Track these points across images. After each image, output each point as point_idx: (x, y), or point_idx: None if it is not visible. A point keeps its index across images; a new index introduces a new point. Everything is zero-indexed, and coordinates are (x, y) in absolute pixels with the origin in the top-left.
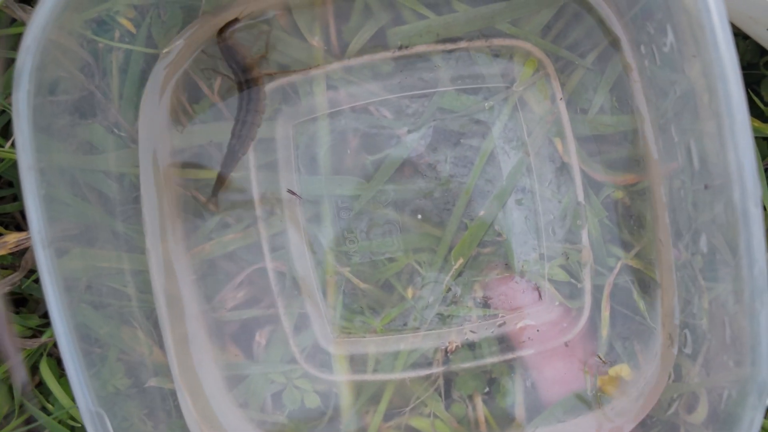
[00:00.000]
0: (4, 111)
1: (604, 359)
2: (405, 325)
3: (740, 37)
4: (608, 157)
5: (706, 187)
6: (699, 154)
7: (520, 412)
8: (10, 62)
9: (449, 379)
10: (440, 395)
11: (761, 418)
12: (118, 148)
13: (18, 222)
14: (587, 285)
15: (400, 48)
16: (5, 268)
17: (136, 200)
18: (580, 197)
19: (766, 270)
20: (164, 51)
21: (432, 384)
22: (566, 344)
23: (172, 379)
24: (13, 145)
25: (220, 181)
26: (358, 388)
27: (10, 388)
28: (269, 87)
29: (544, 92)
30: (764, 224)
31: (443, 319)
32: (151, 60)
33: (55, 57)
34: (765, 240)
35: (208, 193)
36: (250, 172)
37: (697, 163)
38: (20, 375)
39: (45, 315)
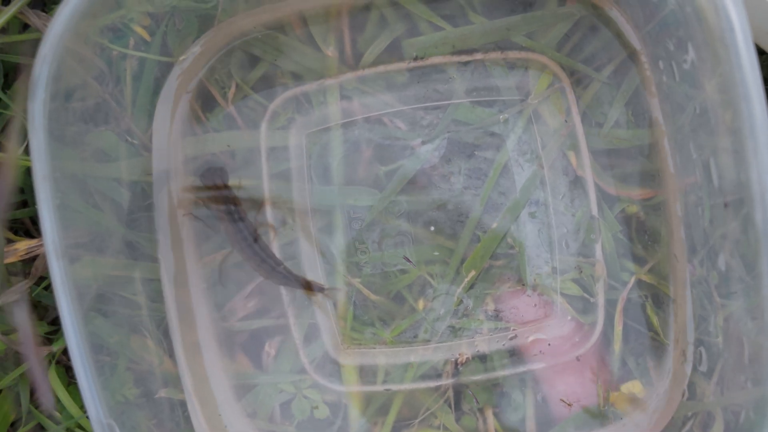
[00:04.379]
0: (14, 116)
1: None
2: (415, 336)
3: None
4: (623, 171)
5: (726, 205)
6: (718, 171)
7: (530, 426)
8: (23, 68)
9: (459, 392)
10: (450, 407)
11: None
12: (130, 156)
13: (28, 228)
14: (600, 299)
15: (415, 59)
16: (15, 275)
17: (148, 208)
18: (594, 211)
19: None
20: (180, 59)
21: (442, 396)
22: (578, 359)
23: (181, 389)
24: (24, 151)
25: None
26: (368, 399)
27: (18, 396)
28: (283, 97)
29: (559, 105)
30: None
31: (454, 331)
32: (165, 68)
33: (70, 65)
34: None
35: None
36: (262, 181)
37: (716, 180)
38: (45, 389)
39: (54, 322)
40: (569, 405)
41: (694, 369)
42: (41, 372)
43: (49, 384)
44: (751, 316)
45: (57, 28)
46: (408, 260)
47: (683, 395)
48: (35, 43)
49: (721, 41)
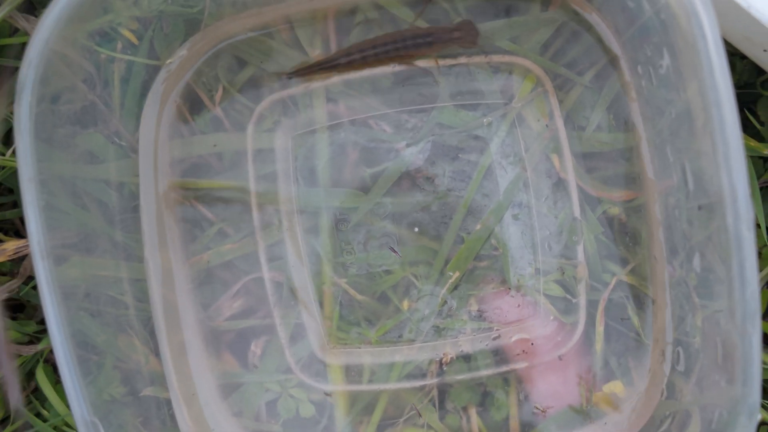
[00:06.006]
0: (5, 119)
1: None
2: (400, 336)
3: (737, 57)
4: (605, 173)
5: (699, 207)
6: (693, 175)
7: (513, 425)
8: (13, 71)
9: (443, 391)
10: (434, 406)
11: None
12: (118, 158)
13: (17, 228)
14: (582, 300)
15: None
16: (4, 274)
17: (135, 209)
18: (577, 213)
19: (758, 292)
20: (167, 62)
21: (426, 395)
22: (560, 358)
23: (167, 388)
24: (14, 153)
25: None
26: (353, 398)
27: (5, 395)
28: (269, 99)
29: (542, 109)
30: (758, 244)
31: (438, 331)
32: (153, 71)
33: (58, 68)
34: (757, 262)
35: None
36: (249, 183)
37: (691, 183)
38: (13, 387)
39: (42, 321)
40: (543, 411)
41: (673, 369)
42: (10, 369)
43: (18, 381)
44: (725, 317)
45: (43, 32)
46: (394, 251)
47: (662, 394)
48: (24, 47)
49: (693, 47)
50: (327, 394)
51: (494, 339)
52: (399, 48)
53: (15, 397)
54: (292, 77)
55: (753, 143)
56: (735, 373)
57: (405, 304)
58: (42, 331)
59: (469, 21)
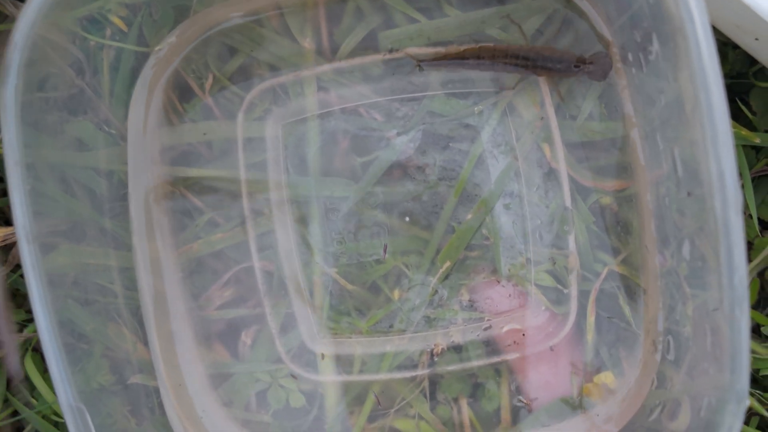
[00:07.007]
0: None
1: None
2: (391, 326)
3: (729, 46)
4: (596, 163)
5: (689, 194)
6: (683, 162)
7: (505, 415)
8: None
9: (435, 382)
10: (425, 397)
11: (740, 425)
12: (107, 146)
13: (6, 216)
14: (573, 290)
15: (391, 51)
16: None
17: (125, 197)
18: (568, 203)
19: (746, 278)
20: (156, 49)
21: (417, 386)
22: (552, 349)
23: (155, 377)
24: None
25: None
26: (344, 389)
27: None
28: (259, 88)
29: (534, 98)
30: (750, 234)
31: (429, 321)
32: (142, 58)
33: (45, 53)
34: (748, 252)
35: None
36: (239, 172)
37: (681, 171)
38: (14, 363)
39: (31, 309)
40: (528, 404)
41: (663, 358)
42: (10, 339)
43: (18, 351)
44: (714, 306)
45: (29, 15)
46: (384, 252)
47: (652, 384)
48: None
49: (681, 31)
50: (293, 376)
51: (485, 329)
52: (528, 65)
53: (15, 366)
54: (421, 66)
55: (745, 132)
56: (724, 361)
57: (396, 293)
58: (31, 320)
59: (604, 54)
